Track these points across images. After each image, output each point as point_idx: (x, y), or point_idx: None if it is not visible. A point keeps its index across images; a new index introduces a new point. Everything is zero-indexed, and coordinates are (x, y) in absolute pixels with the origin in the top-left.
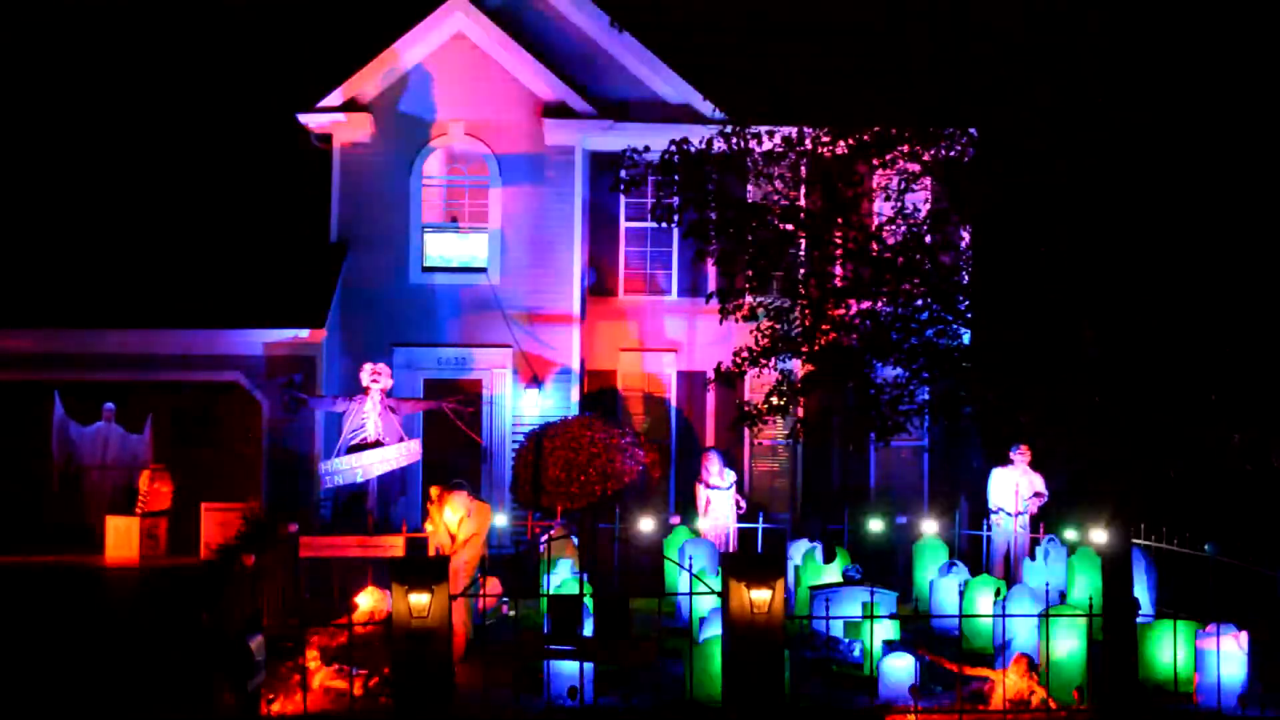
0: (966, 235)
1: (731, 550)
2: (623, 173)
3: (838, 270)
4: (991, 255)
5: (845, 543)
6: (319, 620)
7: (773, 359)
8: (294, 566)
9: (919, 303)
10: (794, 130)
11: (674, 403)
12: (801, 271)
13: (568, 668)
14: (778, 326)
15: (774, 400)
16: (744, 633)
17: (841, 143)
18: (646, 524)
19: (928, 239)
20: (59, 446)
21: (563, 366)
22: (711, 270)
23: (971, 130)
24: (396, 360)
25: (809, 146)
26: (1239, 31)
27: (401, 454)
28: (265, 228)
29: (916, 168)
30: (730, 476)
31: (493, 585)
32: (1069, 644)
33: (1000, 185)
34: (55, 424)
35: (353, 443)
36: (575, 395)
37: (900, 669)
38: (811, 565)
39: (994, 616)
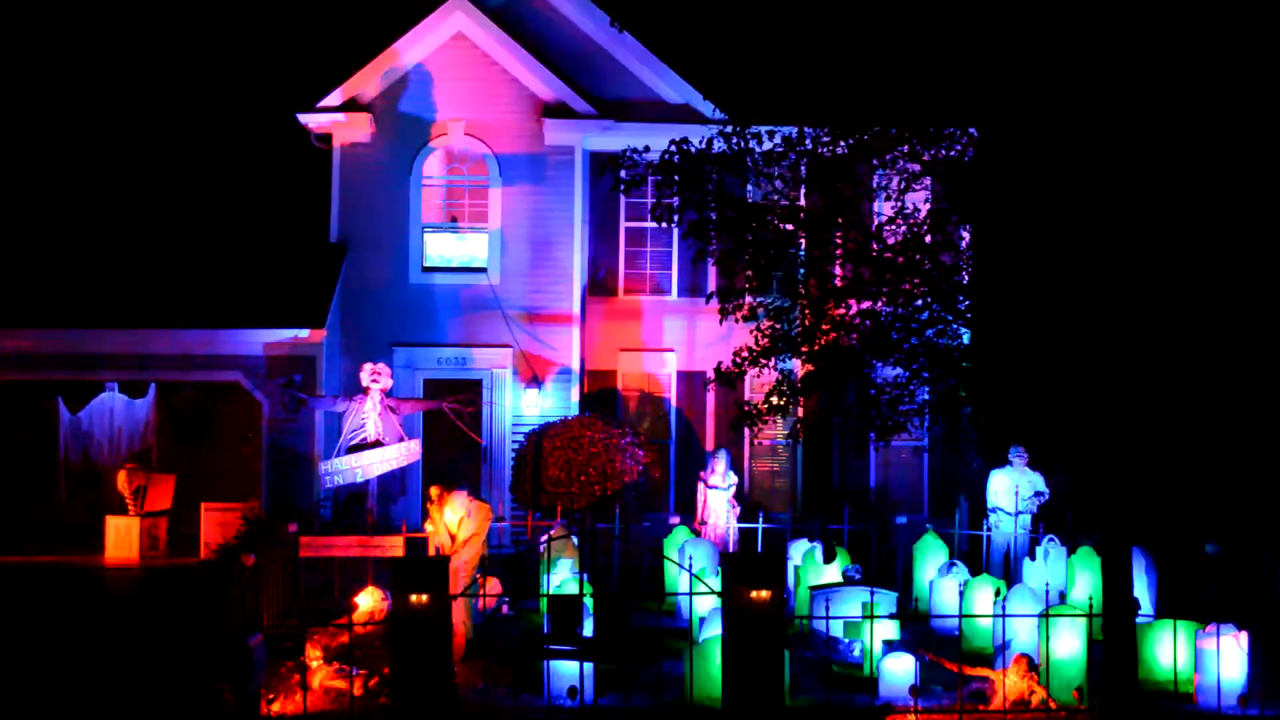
0: (966, 235)
1: (731, 550)
2: (623, 173)
3: (838, 270)
4: (991, 255)
5: (845, 543)
6: (319, 620)
7: (773, 359)
8: (294, 566)
9: (919, 303)
10: (794, 130)
11: (674, 403)
12: (801, 271)
13: (568, 668)
14: (778, 326)
15: (774, 400)
16: (744, 633)
17: (841, 143)
18: (646, 524)
19: (928, 239)
20: (71, 444)
21: (563, 366)
22: (711, 270)
23: (971, 130)
24: (396, 360)
25: (809, 146)
26: (1238, 33)
27: (401, 454)
28: (265, 228)
29: (916, 168)
30: (732, 479)
31: (493, 585)
32: (1069, 644)
33: (1000, 185)
34: (63, 429)
35: (353, 443)
36: (575, 395)
37: (900, 669)
38: (811, 565)
39: (994, 616)
